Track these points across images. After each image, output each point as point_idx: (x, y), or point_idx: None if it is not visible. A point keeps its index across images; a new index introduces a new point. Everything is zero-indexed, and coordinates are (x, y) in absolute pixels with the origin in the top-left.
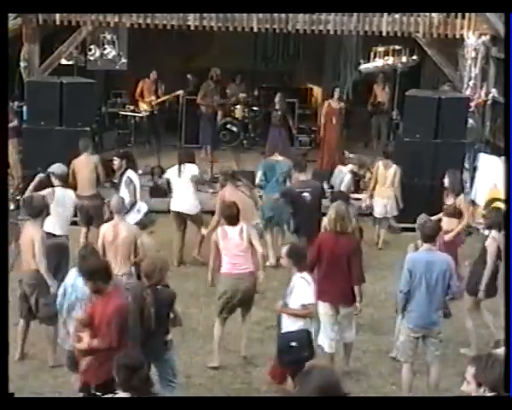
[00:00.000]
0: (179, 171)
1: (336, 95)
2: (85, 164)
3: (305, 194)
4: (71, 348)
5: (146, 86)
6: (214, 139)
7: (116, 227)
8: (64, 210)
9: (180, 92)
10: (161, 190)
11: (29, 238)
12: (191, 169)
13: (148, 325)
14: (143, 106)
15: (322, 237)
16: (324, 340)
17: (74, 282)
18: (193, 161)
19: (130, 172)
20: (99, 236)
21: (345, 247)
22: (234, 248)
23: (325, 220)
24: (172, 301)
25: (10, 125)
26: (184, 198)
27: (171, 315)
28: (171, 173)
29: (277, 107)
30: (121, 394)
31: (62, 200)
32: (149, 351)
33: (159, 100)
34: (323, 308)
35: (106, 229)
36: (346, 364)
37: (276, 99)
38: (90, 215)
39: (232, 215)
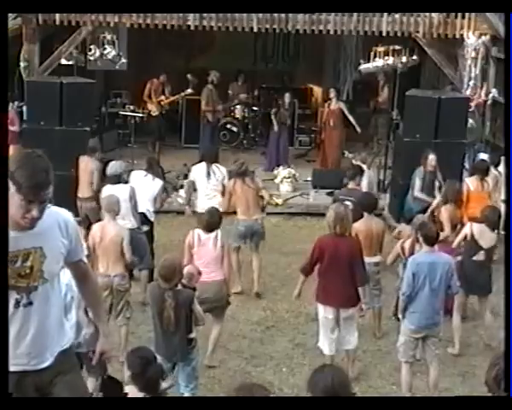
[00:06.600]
0: (208, 172)
1: (332, 95)
2: (88, 166)
3: (347, 202)
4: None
5: (154, 87)
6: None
7: (104, 228)
8: None
9: (188, 91)
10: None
11: None
12: (220, 170)
13: (168, 327)
14: (152, 107)
15: (322, 239)
16: (324, 342)
17: (69, 281)
18: (218, 161)
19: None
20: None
21: (345, 249)
22: (205, 254)
23: (324, 222)
24: (191, 301)
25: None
26: (213, 199)
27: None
28: (197, 173)
29: (287, 107)
30: (131, 388)
31: None
32: (173, 351)
33: (168, 100)
34: (323, 311)
35: (95, 229)
36: (351, 371)
37: (286, 100)
38: (89, 218)
39: (209, 222)
